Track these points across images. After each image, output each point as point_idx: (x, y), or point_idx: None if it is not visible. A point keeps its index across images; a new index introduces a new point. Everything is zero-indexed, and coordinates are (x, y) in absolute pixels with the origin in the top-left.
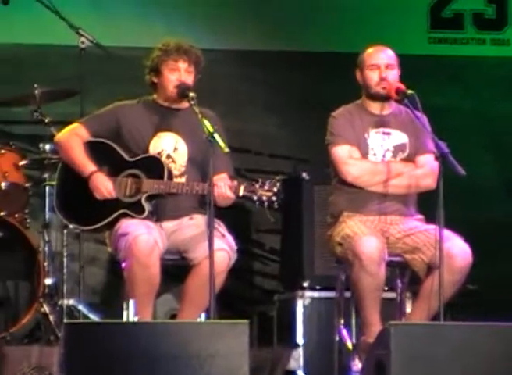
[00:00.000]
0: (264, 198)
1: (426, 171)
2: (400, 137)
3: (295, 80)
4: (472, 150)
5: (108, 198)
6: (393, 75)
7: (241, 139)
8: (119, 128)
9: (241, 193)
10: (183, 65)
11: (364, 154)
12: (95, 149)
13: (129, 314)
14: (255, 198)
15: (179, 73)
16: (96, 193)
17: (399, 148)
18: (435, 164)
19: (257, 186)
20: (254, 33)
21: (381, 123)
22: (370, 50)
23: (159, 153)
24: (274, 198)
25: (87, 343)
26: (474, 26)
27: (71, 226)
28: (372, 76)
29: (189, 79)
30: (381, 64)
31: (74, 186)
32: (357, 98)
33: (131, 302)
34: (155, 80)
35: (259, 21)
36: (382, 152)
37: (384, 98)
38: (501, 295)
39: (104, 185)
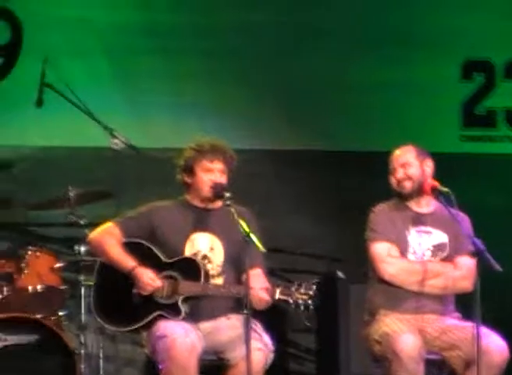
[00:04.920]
0: (300, 301)
1: (464, 273)
2: (440, 237)
3: (328, 179)
4: (507, 247)
5: (155, 290)
6: (412, 171)
7: (274, 238)
8: (153, 229)
9: (277, 296)
10: (217, 165)
11: (404, 251)
12: (131, 250)
13: None
14: (291, 301)
15: (213, 174)
16: (141, 288)
17: (438, 248)
18: (473, 266)
19: (293, 289)
20: (286, 133)
21: (421, 221)
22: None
23: (195, 254)
24: (310, 302)
25: None
26: (507, 123)
27: (108, 327)
28: (392, 180)
29: (223, 179)
30: (396, 166)
31: (111, 287)
32: (389, 197)
33: None
34: (188, 180)
35: (291, 121)
36: (421, 251)
37: (413, 195)
38: None
39: (149, 278)
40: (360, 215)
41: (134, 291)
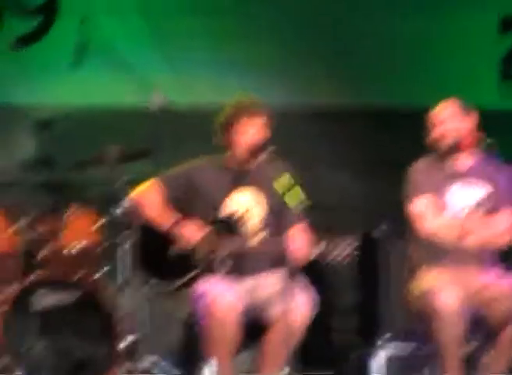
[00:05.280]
0: (341, 256)
1: (504, 228)
2: (480, 191)
3: (367, 134)
4: None
5: (198, 242)
6: (452, 126)
7: (315, 194)
8: (193, 187)
9: (318, 251)
10: (256, 122)
11: (443, 207)
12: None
13: (207, 373)
14: (332, 256)
15: (252, 131)
16: (184, 241)
17: (479, 203)
18: None
19: (335, 244)
20: (326, 90)
21: (462, 176)
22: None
23: (236, 211)
24: (350, 257)
25: None
26: None
27: (150, 284)
28: (432, 135)
29: (262, 136)
30: (437, 121)
31: (152, 245)
32: (429, 153)
33: (210, 361)
34: (228, 138)
35: (332, 77)
36: (461, 206)
37: (454, 150)
38: None
39: (191, 230)
40: (400, 171)
41: (176, 247)
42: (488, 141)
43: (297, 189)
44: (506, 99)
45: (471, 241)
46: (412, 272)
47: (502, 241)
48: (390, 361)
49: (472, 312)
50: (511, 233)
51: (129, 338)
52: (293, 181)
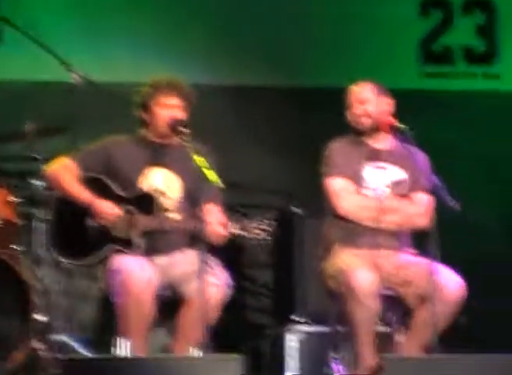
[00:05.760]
0: (257, 236)
1: (421, 210)
2: (396, 173)
3: (286, 115)
4: (466, 185)
5: (115, 218)
6: (370, 107)
7: (233, 174)
8: (109, 163)
9: (234, 231)
10: (174, 101)
11: (360, 187)
12: (87, 185)
13: (122, 350)
14: (247, 236)
15: (170, 110)
16: (101, 218)
17: (395, 184)
18: (431, 203)
19: (250, 223)
20: (244, 69)
21: (377, 156)
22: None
23: (151, 189)
24: (266, 236)
25: None
26: (465, 59)
27: (63, 260)
28: (349, 115)
29: (180, 115)
30: (354, 101)
31: (67, 221)
32: (346, 133)
33: (123, 339)
34: (145, 116)
35: (250, 56)
36: (377, 186)
37: (370, 131)
38: (491, 329)
39: (108, 207)
40: (317, 150)
41: (91, 222)
42: (402, 126)
43: (211, 170)
44: (424, 81)
45: (388, 222)
46: (327, 250)
47: (418, 223)
48: (304, 340)
49: (387, 293)
50: (428, 215)
51: (43, 315)
52: (207, 162)
